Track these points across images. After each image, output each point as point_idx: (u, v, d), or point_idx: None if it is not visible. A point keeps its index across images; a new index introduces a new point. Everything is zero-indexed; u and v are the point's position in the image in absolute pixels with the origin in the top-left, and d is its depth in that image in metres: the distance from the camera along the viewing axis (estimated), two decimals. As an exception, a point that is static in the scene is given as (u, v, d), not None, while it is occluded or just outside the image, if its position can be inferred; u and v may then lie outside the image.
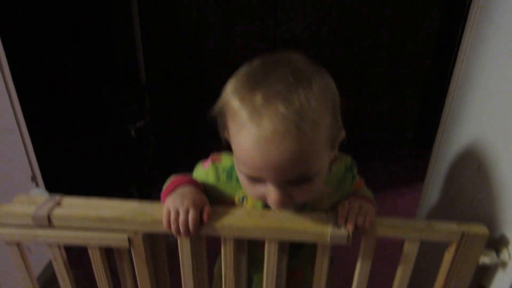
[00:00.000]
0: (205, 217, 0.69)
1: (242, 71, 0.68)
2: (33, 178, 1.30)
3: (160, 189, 0.76)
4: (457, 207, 0.96)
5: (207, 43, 2.40)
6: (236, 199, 0.78)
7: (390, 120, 2.53)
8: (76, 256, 0.96)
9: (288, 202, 0.67)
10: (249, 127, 0.61)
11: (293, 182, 0.64)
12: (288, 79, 0.62)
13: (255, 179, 0.66)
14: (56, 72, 1.86)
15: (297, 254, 0.83)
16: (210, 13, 2.33)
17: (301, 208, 0.76)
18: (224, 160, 0.79)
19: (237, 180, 0.74)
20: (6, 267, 0.84)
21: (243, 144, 0.62)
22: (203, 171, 0.80)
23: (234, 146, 0.66)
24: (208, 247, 0.75)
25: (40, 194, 0.80)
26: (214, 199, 0.77)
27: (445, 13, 2.20)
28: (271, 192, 0.65)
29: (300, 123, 0.59)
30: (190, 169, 0.83)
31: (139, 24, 2.25)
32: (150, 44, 2.34)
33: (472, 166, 0.90)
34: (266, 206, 0.74)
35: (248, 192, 0.70)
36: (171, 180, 0.77)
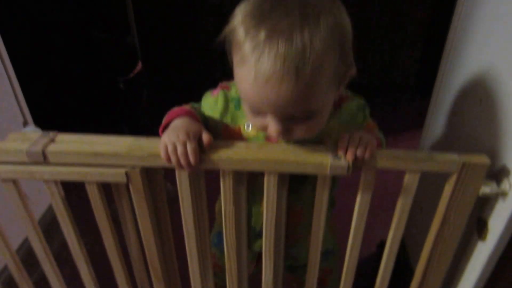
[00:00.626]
0: (205, 143, 0.68)
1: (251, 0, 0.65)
2: (25, 124, 1.29)
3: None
4: (459, 140, 0.96)
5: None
6: (242, 127, 0.78)
7: (391, 66, 2.49)
8: (74, 197, 0.95)
9: (288, 135, 0.68)
10: (250, 63, 0.61)
11: (293, 118, 0.66)
12: (295, 16, 0.60)
13: (256, 111, 0.67)
14: (43, 17, 1.80)
15: (298, 190, 0.82)
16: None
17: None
18: (234, 88, 0.79)
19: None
20: (8, 213, 0.83)
21: (243, 79, 0.63)
22: (212, 98, 0.79)
23: (236, 77, 0.67)
24: (207, 185, 0.74)
25: (34, 132, 0.79)
26: (221, 128, 0.78)
27: None
28: (270, 124, 0.67)
29: (300, 64, 0.59)
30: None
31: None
32: None
33: (474, 99, 0.89)
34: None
35: (251, 122, 0.73)
36: (167, 114, 0.76)
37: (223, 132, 0.79)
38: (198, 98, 0.84)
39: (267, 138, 0.77)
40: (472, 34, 0.95)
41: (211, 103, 0.79)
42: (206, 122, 0.80)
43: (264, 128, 0.69)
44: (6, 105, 1.28)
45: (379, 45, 2.43)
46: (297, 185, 0.80)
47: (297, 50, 0.59)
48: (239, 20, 0.64)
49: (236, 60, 0.65)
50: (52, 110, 1.82)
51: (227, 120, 0.79)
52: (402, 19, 2.34)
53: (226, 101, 0.78)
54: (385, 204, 1.13)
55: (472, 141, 0.89)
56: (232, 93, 0.79)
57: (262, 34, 0.60)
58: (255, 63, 0.60)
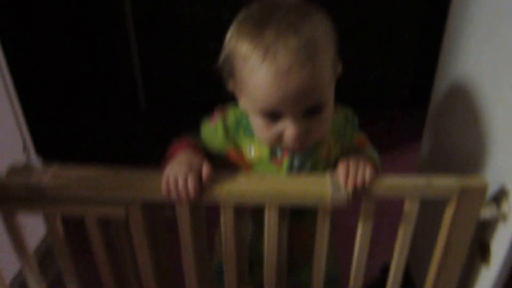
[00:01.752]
0: (204, 177, 0.69)
1: (242, 17, 0.70)
2: (25, 149, 1.28)
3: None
4: (456, 160, 0.96)
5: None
6: (244, 150, 0.79)
7: (385, 79, 2.50)
8: (73, 232, 0.95)
9: (304, 137, 0.69)
10: (266, 63, 0.64)
11: (309, 111, 0.67)
12: (292, 16, 0.66)
13: (272, 117, 0.68)
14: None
15: (299, 219, 0.83)
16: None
17: (302, 166, 0.77)
18: (231, 112, 0.80)
19: (244, 131, 0.78)
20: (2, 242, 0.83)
21: (262, 83, 0.65)
22: (211, 127, 0.80)
23: (248, 88, 0.68)
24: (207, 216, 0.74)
25: (34, 163, 0.78)
26: (224, 154, 0.79)
27: None
28: (289, 127, 0.68)
29: (312, 52, 0.64)
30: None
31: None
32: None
33: (469, 118, 0.89)
34: (272, 154, 0.77)
35: (263, 136, 0.72)
36: (170, 147, 0.77)
37: (227, 158, 0.80)
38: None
39: (272, 160, 0.78)
40: (464, 49, 0.95)
41: (211, 132, 0.80)
42: (209, 151, 0.80)
43: (279, 137, 0.70)
44: (6, 129, 1.27)
45: (372, 58, 2.44)
46: (297, 217, 0.80)
47: (306, 40, 0.64)
48: (235, 39, 0.68)
49: (245, 72, 0.67)
50: (54, 135, 1.83)
51: (230, 145, 0.79)
52: (394, 31, 2.36)
53: (225, 126, 0.79)
54: (385, 225, 1.13)
55: (470, 160, 0.89)
56: (230, 116, 0.80)
57: (270, 37, 0.64)
58: (272, 61, 0.63)
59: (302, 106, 0.66)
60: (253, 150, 0.78)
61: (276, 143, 0.72)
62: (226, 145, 0.79)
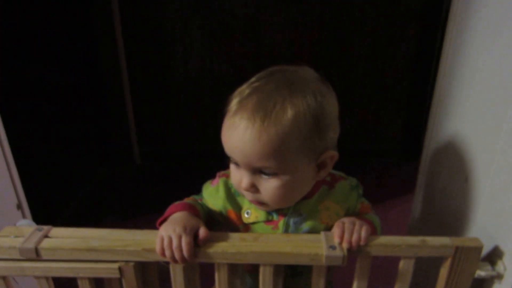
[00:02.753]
0: (200, 239, 0.69)
1: (252, 79, 0.76)
2: (19, 207, 1.27)
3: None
4: (448, 218, 0.96)
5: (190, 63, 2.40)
6: (242, 213, 0.80)
7: (375, 132, 2.54)
8: (65, 286, 0.93)
9: (255, 190, 0.73)
10: (232, 109, 0.71)
11: (259, 171, 0.71)
12: (282, 86, 0.70)
13: (235, 164, 0.74)
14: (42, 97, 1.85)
15: (295, 277, 0.83)
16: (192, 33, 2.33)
17: (297, 229, 0.79)
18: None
19: (242, 194, 0.79)
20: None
21: (224, 123, 0.72)
22: (213, 188, 0.82)
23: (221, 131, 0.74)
24: (201, 272, 0.73)
25: (27, 225, 0.78)
26: (226, 214, 0.81)
27: (424, 26, 2.23)
28: (242, 175, 0.73)
29: (266, 121, 0.67)
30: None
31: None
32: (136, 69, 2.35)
33: (461, 176, 0.90)
34: (268, 216, 0.79)
35: (233, 181, 0.77)
36: (168, 208, 0.78)
37: (228, 218, 0.81)
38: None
39: (267, 222, 0.79)
40: (454, 103, 0.98)
41: (213, 192, 0.82)
42: (211, 213, 0.82)
43: (240, 183, 0.74)
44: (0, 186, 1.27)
45: (363, 110, 2.49)
46: (293, 276, 0.80)
47: (268, 107, 0.68)
48: (235, 93, 0.74)
49: (225, 117, 0.73)
50: (48, 192, 1.82)
51: (231, 205, 0.81)
52: (385, 83, 2.42)
53: (227, 187, 0.81)
54: (381, 282, 1.12)
55: (461, 219, 0.89)
56: (231, 179, 0.81)
57: (247, 91, 0.71)
58: (233, 114, 0.70)
59: (250, 163, 0.70)
60: (250, 212, 0.79)
61: (239, 190, 0.76)
62: (227, 205, 0.81)
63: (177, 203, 0.79)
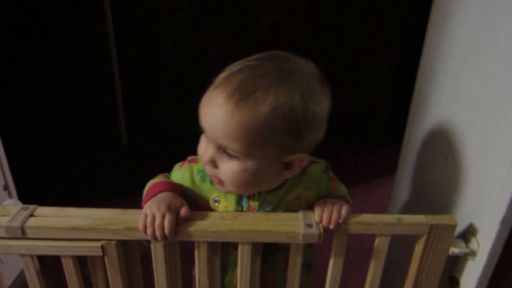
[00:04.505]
0: (181, 218, 0.70)
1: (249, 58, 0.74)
2: (5, 188, 1.28)
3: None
4: (428, 198, 0.98)
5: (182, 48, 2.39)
6: (211, 201, 0.79)
7: (362, 113, 2.55)
8: (49, 265, 0.95)
9: (213, 167, 0.72)
10: (217, 81, 0.70)
11: (222, 149, 0.70)
12: (271, 72, 0.68)
13: (205, 137, 0.73)
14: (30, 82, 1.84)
15: (270, 259, 0.84)
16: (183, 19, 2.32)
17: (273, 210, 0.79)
18: (200, 161, 0.80)
19: (210, 182, 0.77)
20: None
21: (205, 93, 0.71)
22: (179, 172, 0.81)
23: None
24: (182, 252, 0.75)
25: (13, 205, 0.79)
26: (191, 201, 0.79)
27: (413, 7, 2.23)
28: (206, 148, 0.72)
29: (242, 102, 0.65)
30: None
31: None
32: (128, 66, 2.35)
33: (440, 157, 0.92)
34: (238, 204, 0.78)
35: (199, 151, 0.75)
36: (149, 186, 0.78)
37: (194, 205, 0.79)
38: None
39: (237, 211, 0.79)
40: (437, 85, 0.99)
41: (179, 177, 0.81)
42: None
43: (203, 154, 0.73)
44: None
45: (351, 90, 2.50)
46: (268, 256, 0.82)
47: (249, 91, 0.66)
48: (225, 69, 0.72)
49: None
50: (34, 173, 1.82)
51: (195, 194, 0.80)
52: (374, 64, 2.43)
53: (191, 174, 0.80)
54: (360, 255, 1.14)
55: (439, 198, 0.92)
56: (199, 165, 0.80)
57: (233, 69, 0.69)
58: (215, 86, 0.69)
59: (215, 138, 0.69)
60: (219, 201, 0.79)
61: (201, 159, 0.75)
62: (191, 193, 0.80)
63: (157, 181, 0.79)
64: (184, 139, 2.50)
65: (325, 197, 0.80)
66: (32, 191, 1.41)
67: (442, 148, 0.92)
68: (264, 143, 0.68)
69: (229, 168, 0.71)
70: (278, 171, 0.73)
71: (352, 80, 2.47)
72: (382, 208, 1.55)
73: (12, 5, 1.60)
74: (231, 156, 0.70)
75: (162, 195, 0.74)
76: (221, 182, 0.74)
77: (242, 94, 0.65)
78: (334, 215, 0.72)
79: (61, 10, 2.01)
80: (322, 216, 0.73)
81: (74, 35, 2.14)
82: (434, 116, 0.99)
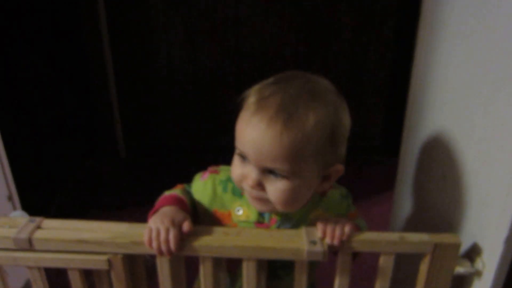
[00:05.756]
0: (184, 232, 0.71)
1: (269, 79, 0.76)
2: (10, 198, 1.29)
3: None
4: (428, 215, 0.98)
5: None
6: (232, 211, 0.81)
7: (357, 128, 2.52)
8: (54, 278, 0.95)
9: (261, 191, 0.73)
10: (251, 107, 0.71)
11: (270, 171, 0.71)
12: (302, 93, 0.71)
13: (243, 157, 0.73)
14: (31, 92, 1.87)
15: (282, 275, 0.85)
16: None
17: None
18: (222, 172, 0.83)
19: (232, 192, 0.81)
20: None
21: (241, 120, 0.72)
22: (201, 183, 0.83)
23: (236, 125, 0.74)
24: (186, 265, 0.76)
25: (20, 216, 0.81)
26: (211, 212, 0.82)
27: (402, 22, 2.23)
28: (249, 173, 0.73)
29: (289, 123, 0.68)
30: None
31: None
32: (124, 72, 2.37)
33: (439, 175, 0.92)
34: (260, 215, 0.80)
35: (232, 173, 0.77)
36: (160, 198, 0.80)
37: (213, 217, 0.82)
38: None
39: (257, 223, 0.80)
40: (431, 101, 0.99)
41: (200, 187, 0.83)
42: (197, 206, 0.83)
43: (243, 178, 0.74)
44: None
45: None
46: (281, 271, 0.83)
47: (292, 112, 0.69)
48: (253, 88, 0.75)
49: (241, 113, 0.74)
50: (34, 185, 1.84)
51: (217, 205, 0.82)
52: (365, 80, 2.43)
53: (213, 185, 0.82)
54: (363, 274, 1.13)
55: (441, 216, 0.91)
56: (221, 176, 0.83)
57: (270, 90, 0.72)
58: (255, 108, 0.70)
59: (262, 161, 0.70)
60: (242, 210, 0.80)
61: (239, 184, 0.76)
62: (213, 203, 0.82)
63: (167, 194, 0.81)
64: (182, 152, 2.56)
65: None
66: (34, 202, 1.42)
67: (440, 166, 0.92)
68: (310, 158, 0.71)
69: (278, 189, 0.72)
70: (317, 185, 0.76)
71: (344, 96, 2.45)
72: (382, 226, 1.53)
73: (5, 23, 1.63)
74: (279, 176, 0.71)
75: (165, 209, 0.76)
76: (265, 202, 0.75)
77: (285, 115, 0.68)
78: (338, 232, 0.72)
79: (58, 23, 2.04)
80: (325, 231, 0.73)
81: (71, 48, 2.16)
82: (429, 133, 0.98)
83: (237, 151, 0.75)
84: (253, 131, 0.69)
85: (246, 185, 0.74)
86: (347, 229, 0.73)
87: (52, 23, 2.00)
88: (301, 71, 0.78)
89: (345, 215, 0.84)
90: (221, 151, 0.77)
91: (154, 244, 0.70)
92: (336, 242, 0.72)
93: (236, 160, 0.76)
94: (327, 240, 0.72)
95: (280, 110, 0.68)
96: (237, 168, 0.75)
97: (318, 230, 0.73)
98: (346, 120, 0.76)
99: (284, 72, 0.78)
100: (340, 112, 0.74)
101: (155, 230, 0.70)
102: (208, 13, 2.24)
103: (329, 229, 0.73)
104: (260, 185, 0.72)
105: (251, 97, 0.73)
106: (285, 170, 0.70)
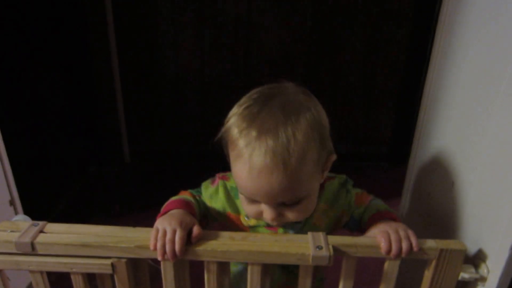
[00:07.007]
0: (193, 236, 0.71)
1: (242, 103, 0.76)
2: (11, 203, 1.29)
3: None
4: (435, 222, 0.98)
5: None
6: (242, 215, 0.83)
7: (365, 135, 2.54)
8: (54, 282, 0.94)
9: (281, 219, 0.75)
10: (244, 158, 0.70)
11: (284, 204, 0.73)
12: (278, 116, 0.70)
13: (251, 200, 0.75)
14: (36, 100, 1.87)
15: (295, 271, 0.84)
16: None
17: (300, 229, 0.81)
18: (232, 178, 0.84)
19: None
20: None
21: (239, 172, 0.71)
22: (213, 188, 0.85)
23: (233, 170, 0.74)
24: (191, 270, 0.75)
25: (23, 221, 0.80)
26: (223, 214, 0.84)
27: (415, 28, 2.23)
28: (265, 211, 0.74)
29: (286, 157, 0.68)
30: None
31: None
32: (131, 85, 2.38)
33: (447, 181, 0.92)
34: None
35: (246, 210, 0.78)
36: (166, 203, 0.81)
37: (227, 220, 0.84)
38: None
39: (268, 227, 0.82)
40: (442, 110, 0.99)
41: (213, 193, 0.84)
42: (208, 210, 0.85)
43: (259, 215, 0.76)
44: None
45: (352, 113, 2.49)
46: (293, 267, 0.82)
47: (283, 144, 0.68)
48: (232, 122, 0.74)
49: (232, 155, 0.73)
50: (38, 190, 1.83)
51: (230, 209, 0.84)
52: (375, 87, 2.43)
53: (226, 190, 0.84)
54: (366, 279, 1.13)
55: (447, 222, 0.91)
56: (231, 183, 0.84)
57: (253, 133, 0.69)
58: (248, 158, 0.69)
59: (276, 201, 0.72)
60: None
61: (258, 218, 0.78)
62: (227, 208, 0.83)
63: (175, 198, 0.81)
64: (187, 157, 2.56)
65: (379, 223, 0.78)
66: (36, 207, 1.41)
67: (448, 173, 0.92)
68: (312, 172, 0.73)
69: (297, 211, 0.75)
70: (320, 181, 0.79)
71: (353, 103, 2.46)
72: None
73: (11, 31, 1.63)
74: (297, 202, 0.74)
75: (173, 212, 0.76)
76: (283, 220, 0.76)
77: (285, 154, 0.68)
78: (405, 246, 0.71)
79: (64, 29, 2.04)
80: (388, 249, 0.71)
81: (77, 54, 2.18)
82: (439, 141, 0.99)
83: (242, 194, 0.76)
84: (258, 183, 0.70)
85: (266, 220, 0.76)
86: (412, 238, 0.72)
87: (59, 29, 2.00)
88: (265, 85, 0.79)
89: (350, 202, 0.85)
90: (227, 157, 0.76)
91: (159, 243, 0.69)
92: (404, 255, 0.71)
93: (245, 200, 0.77)
94: (392, 256, 0.71)
95: (276, 150, 0.68)
96: (250, 208, 0.77)
97: (381, 248, 0.71)
98: (324, 116, 0.77)
99: (249, 95, 0.77)
100: (317, 112, 0.75)
101: (161, 231, 0.70)
102: (217, 20, 2.25)
103: (394, 246, 0.71)
104: (279, 216, 0.74)
105: (232, 135, 0.73)
106: (299, 196, 0.73)
